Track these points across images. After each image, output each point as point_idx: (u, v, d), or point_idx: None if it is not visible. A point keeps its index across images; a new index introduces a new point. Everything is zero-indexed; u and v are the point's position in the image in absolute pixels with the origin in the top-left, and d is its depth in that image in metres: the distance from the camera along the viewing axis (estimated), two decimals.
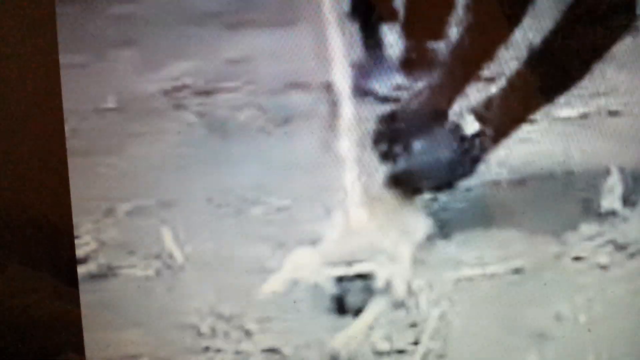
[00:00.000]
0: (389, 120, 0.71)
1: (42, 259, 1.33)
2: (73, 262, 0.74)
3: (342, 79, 0.71)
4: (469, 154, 0.71)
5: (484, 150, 0.71)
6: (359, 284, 0.72)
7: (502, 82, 0.71)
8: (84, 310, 0.71)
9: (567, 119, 0.72)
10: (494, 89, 0.71)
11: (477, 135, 0.71)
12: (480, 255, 0.73)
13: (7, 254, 1.27)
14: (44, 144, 1.39)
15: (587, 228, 0.74)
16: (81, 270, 0.71)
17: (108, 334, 0.73)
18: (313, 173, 0.71)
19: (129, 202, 0.71)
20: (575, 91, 0.72)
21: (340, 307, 0.73)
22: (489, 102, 0.71)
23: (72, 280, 0.81)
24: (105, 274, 0.72)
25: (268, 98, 0.71)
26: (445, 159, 0.71)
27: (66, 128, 0.70)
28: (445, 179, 0.71)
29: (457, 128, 0.71)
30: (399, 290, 0.73)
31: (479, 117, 0.71)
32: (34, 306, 1.12)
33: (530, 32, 0.71)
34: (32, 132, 1.45)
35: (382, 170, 0.71)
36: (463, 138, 0.71)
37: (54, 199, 1.18)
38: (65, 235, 1.24)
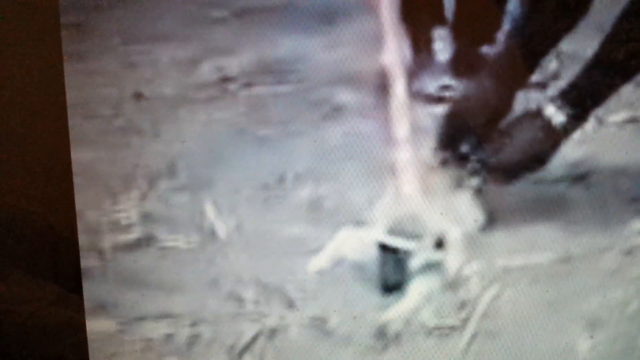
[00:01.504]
0: (445, 117, 0.71)
1: (46, 267, 1.31)
2: (76, 270, 0.73)
3: (393, 78, 0.71)
4: (546, 145, 0.71)
5: (562, 139, 0.71)
6: (407, 264, 0.71)
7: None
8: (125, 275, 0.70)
9: (617, 123, 0.72)
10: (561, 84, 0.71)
11: (562, 125, 0.71)
12: (531, 244, 0.71)
13: (12, 262, 1.25)
14: (48, 154, 1.37)
15: (637, 224, 0.73)
16: (122, 239, 0.70)
17: (149, 298, 0.71)
18: (363, 159, 0.70)
19: (172, 178, 0.70)
20: (624, 97, 0.72)
21: (388, 285, 0.71)
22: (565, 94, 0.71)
23: (75, 288, 0.80)
24: (146, 244, 0.71)
25: (316, 90, 0.70)
26: (516, 151, 0.71)
27: (108, 111, 0.69)
28: (511, 168, 0.71)
29: (537, 120, 0.71)
30: (450, 272, 0.72)
31: (562, 106, 0.72)
32: (37, 313, 1.09)
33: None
34: (36, 143, 1.44)
35: (435, 157, 0.70)
36: (544, 130, 0.71)
37: (58, 208, 1.17)
38: (68, 243, 1.23)
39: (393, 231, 0.71)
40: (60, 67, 0.71)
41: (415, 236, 0.71)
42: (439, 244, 0.71)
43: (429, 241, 0.72)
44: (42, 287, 1.17)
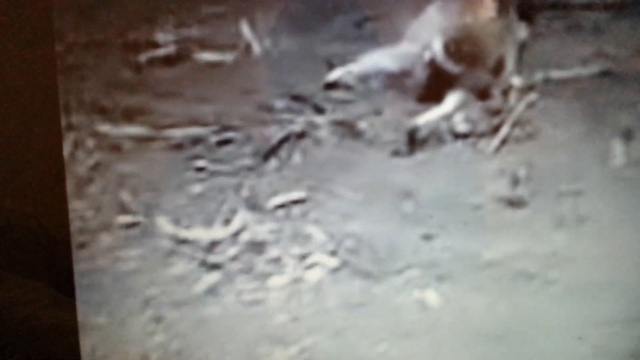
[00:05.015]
0: None
1: (40, 270, 1.29)
2: (70, 272, 0.73)
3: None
4: None
5: None
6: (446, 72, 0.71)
7: None
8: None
9: None
10: None
11: None
12: (572, 58, 0.72)
13: (6, 265, 1.23)
14: (42, 156, 1.37)
15: None
16: (156, 54, 0.70)
17: (182, 108, 0.71)
18: None
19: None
20: None
21: (423, 95, 0.71)
22: None
23: (70, 291, 0.79)
24: (178, 58, 0.71)
25: None
26: None
27: None
28: None
29: None
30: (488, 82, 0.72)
31: None
32: (32, 316, 1.08)
33: None
34: (30, 146, 1.44)
35: None
36: None
37: (52, 210, 1.17)
38: (62, 246, 1.21)
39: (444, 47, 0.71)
40: (53, 67, 0.72)
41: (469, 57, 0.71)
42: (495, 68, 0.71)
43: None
44: (36, 289, 1.15)
